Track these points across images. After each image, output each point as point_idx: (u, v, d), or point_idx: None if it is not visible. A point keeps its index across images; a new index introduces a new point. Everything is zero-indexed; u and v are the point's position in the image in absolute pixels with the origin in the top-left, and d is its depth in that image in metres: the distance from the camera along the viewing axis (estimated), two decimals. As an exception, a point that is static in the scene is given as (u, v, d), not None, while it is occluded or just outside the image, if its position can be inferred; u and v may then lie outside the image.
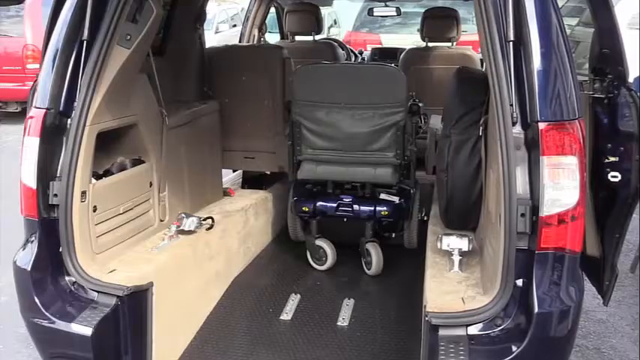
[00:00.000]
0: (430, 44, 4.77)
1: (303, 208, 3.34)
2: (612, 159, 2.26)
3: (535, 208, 1.96)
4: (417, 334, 2.25)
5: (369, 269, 3.36)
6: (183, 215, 2.79)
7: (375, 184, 3.33)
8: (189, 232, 2.78)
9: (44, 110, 2.26)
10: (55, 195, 2.25)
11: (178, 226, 2.76)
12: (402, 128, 3.12)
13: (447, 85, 2.94)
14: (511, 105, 1.96)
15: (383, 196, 3.33)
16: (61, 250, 2.26)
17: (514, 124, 1.98)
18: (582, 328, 3.52)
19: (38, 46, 7.14)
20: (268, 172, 3.89)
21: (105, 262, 2.41)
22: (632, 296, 3.98)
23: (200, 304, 2.86)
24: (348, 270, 3.30)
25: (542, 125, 1.93)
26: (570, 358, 2.19)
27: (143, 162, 2.73)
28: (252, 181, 3.90)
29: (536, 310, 1.95)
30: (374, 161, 3.20)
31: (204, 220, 2.89)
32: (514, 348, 1.96)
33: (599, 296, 2.52)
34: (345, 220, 3.33)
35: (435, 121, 3.23)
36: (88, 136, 2.30)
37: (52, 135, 2.27)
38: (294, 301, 3.04)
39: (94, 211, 2.38)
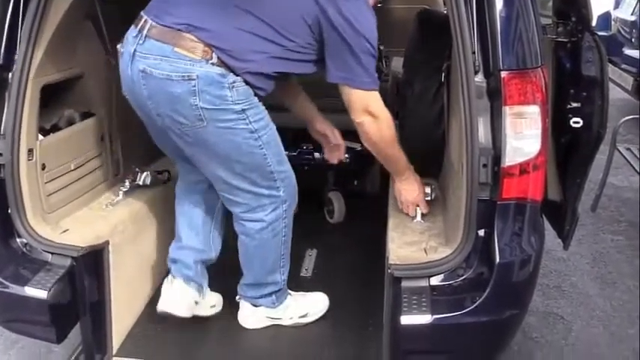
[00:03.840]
0: (391, -19, 4.67)
1: None
2: (575, 104, 2.27)
3: (497, 159, 1.97)
4: (381, 284, 2.29)
5: (331, 218, 3.38)
6: (137, 169, 2.75)
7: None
8: (146, 187, 2.74)
9: (-18, 64, 2.17)
10: (0, 154, 2.18)
11: (133, 181, 2.71)
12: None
13: (408, 26, 2.90)
14: (473, 53, 1.95)
15: (345, 143, 3.31)
16: (10, 211, 2.21)
17: (476, 72, 1.97)
18: (543, 267, 3.61)
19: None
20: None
21: (57, 222, 2.37)
22: (593, 234, 4.12)
23: (160, 261, 2.84)
24: (310, 220, 3.30)
25: (504, 74, 1.93)
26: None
27: (93, 114, 2.65)
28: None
29: (497, 260, 1.99)
30: (335, 107, 3.16)
31: (161, 173, 2.85)
32: (476, 297, 2.01)
33: (561, 237, 2.59)
34: (305, 168, 3.32)
35: (397, 64, 3.20)
36: (32, 90, 2.21)
37: (-7, 91, 2.18)
38: (256, 252, 3.04)
39: (43, 169, 2.32)
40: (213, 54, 2.01)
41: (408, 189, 2.42)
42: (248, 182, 2.21)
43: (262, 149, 2.15)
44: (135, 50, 2.07)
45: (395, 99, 3.03)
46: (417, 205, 2.43)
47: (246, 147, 2.11)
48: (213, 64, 2.00)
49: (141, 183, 2.72)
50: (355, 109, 2.19)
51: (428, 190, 2.48)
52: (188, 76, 1.98)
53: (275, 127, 2.24)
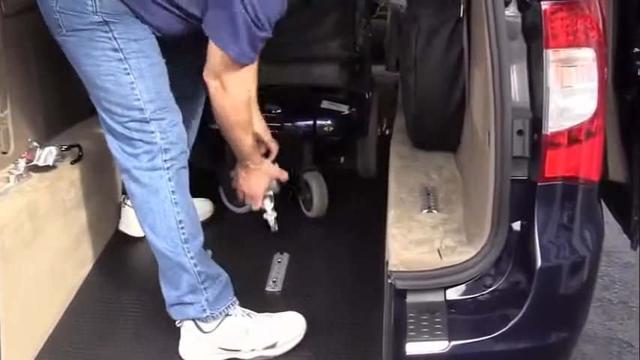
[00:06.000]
0: None
1: (211, 126, 3.30)
2: (644, 48, 2.29)
3: (537, 123, 1.98)
4: (379, 299, 2.30)
5: (308, 210, 3.40)
6: (35, 144, 2.76)
7: (314, 87, 3.32)
8: (47, 169, 2.75)
9: None
10: None
11: (29, 161, 2.73)
12: (350, 6, 3.08)
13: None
14: (503, -25, 1.95)
15: (326, 104, 3.32)
16: None
17: (507, 3, 1.97)
18: (604, 276, 3.67)
19: None
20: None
21: None
22: (671, 229, 4.14)
23: (68, 269, 2.86)
24: (279, 212, 3.31)
25: (545, 5, 1.92)
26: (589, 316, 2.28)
27: None
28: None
29: (538, 264, 2.01)
30: (312, 55, 3.17)
31: (68, 149, 2.86)
32: (510, 316, 2.03)
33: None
34: None
35: (399, -6, 3.22)
36: None
37: None
38: (204, 258, 3.05)
39: None
40: None
41: (248, 179, 2.86)
42: (120, 125, 2.49)
43: (129, 75, 2.44)
44: None
45: (396, 43, 3.04)
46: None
47: (107, 67, 2.43)
48: None
49: (41, 163, 2.73)
50: (208, 66, 2.47)
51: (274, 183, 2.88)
52: None
53: (162, 62, 2.54)
